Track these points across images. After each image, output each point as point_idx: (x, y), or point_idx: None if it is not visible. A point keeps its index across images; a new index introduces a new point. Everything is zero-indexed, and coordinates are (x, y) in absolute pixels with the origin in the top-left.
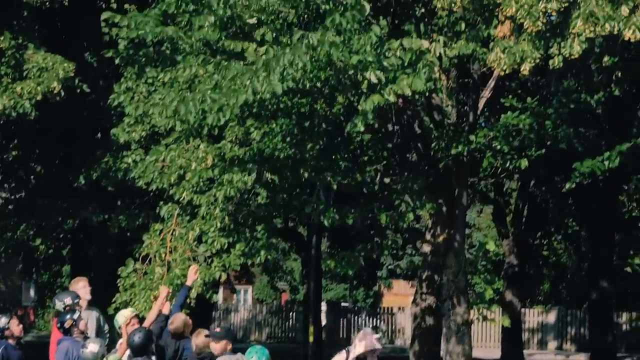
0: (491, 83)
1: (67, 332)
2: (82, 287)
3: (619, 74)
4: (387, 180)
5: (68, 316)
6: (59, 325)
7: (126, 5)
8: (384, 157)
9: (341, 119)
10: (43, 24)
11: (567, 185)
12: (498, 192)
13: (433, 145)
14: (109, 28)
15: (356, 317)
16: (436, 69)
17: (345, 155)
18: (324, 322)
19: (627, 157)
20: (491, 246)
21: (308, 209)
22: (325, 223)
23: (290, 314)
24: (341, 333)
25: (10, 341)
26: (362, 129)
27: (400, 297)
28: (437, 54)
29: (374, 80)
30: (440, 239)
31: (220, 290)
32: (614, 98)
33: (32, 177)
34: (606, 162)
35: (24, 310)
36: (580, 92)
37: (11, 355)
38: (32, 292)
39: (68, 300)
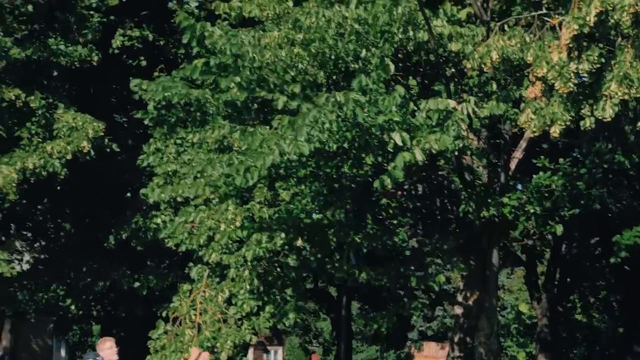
0: (522, 144)
1: None
2: (108, 347)
3: None
4: (414, 242)
5: None
6: None
7: (155, 73)
8: (414, 219)
9: (369, 180)
10: (73, 84)
11: (612, 260)
12: (530, 254)
13: (463, 206)
14: (139, 91)
15: None
16: (464, 126)
17: (374, 217)
18: None
19: None
20: (524, 308)
21: (339, 273)
22: (361, 279)
23: None
24: None
25: None
26: (390, 186)
27: None
28: (466, 113)
29: (398, 142)
30: (472, 300)
31: (251, 351)
32: None
33: (61, 236)
34: None
35: None
36: (614, 153)
37: None
38: (62, 352)
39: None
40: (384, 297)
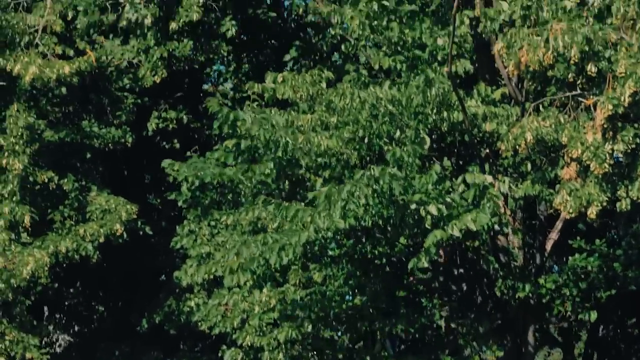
0: (558, 225)
1: None
2: None
3: None
4: (453, 324)
5: None
6: None
7: (188, 153)
8: (449, 300)
9: (403, 259)
10: (106, 166)
11: None
12: (566, 336)
13: (499, 286)
14: (172, 172)
15: None
16: (501, 203)
17: (408, 299)
18: None
19: None
20: None
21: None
22: None
23: None
24: None
25: None
26: (425, 265)
27: None
28: (501, 192)
29: (435, 213)
30: None
31: None
32: None
33: (94, 320)
34: None
35: None
36: None
37: None
38: None
39: None
40: None
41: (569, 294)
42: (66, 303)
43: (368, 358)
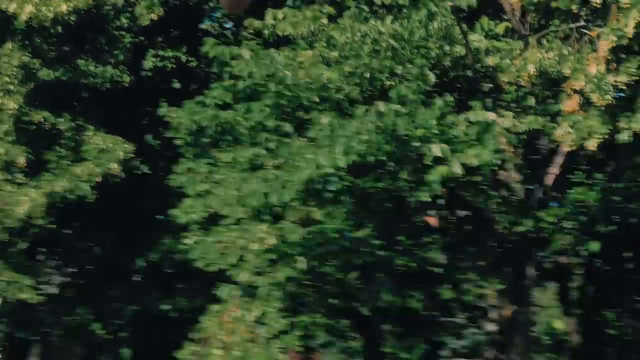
0: (559, 159)
1: None
2: None
3: None
4: (453, 259)
5: None
6: None
7: (185, 101)
8: (449, 235)
9: (403, 197)
10: (103, 106)
11: None
12: (563, 270)
13: (500, 220)
14: (169, 117)
15: None
16: (504, 140)
17: (408, 234)
18: None
19: None
20: (558, 325)
21: (363, 296)
22: (382, 304)
23: None
24: None
25: None
26: (429, 199)
27: None
28: (504, 128)
29: (437, 153)
30: (506, 317)
31: None
32: None
33: (91, 260)
34: None
35: None
36: None
37: None
38: None
39: None
40: (417, 317)
41: (570, 227)
42: (62, 244)
43: (367, 293)
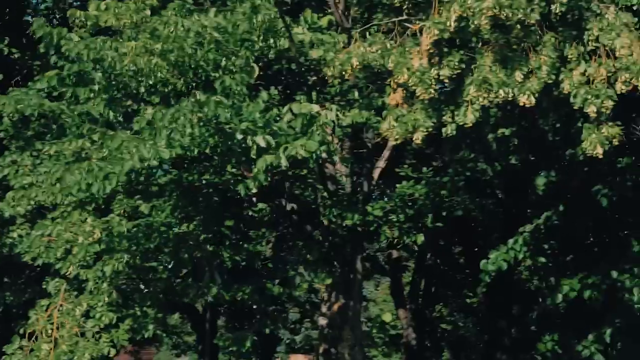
0: (386, 153)
1: None
2: None
3: (516, 141)
4: (281, 253)
5: None
6: None
7: (10, 89)
8: (277, 228)
9: (230, 187)
10: None
11: (478, 290)
12: (394, 265)
13: (327, 214)
14: None
15: None
16: (329, 130)
17: (235, 228)
18: None
19: (528, 242)
20: (387, 318)
21: (192, 292)
22: (210, 299)
23: None
24: None
25: None
26: (254, 190)
27: None
28: (329, 119)
29: (262, 144)
30: (336, 311)
31: None
32: (511, 167)
33: None
34: (511, 252)
35: None
36: (476, 160)
37: None
38: None
39: None
40: (249, 312)
41: (396, 220)
42: None
43: (195, 288)
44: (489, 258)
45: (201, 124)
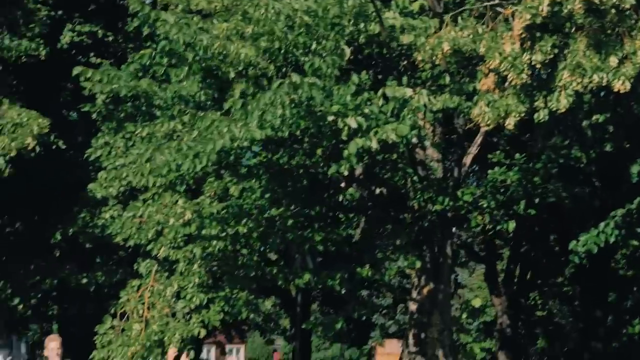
0: (478, 139)
1: None
2: (52, 347)
3: (611, 129)
4: (371, 237)
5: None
6: None
7: (102, 60)
8: (367, 213)
9: (320, 170)
10: (19, 79)
11: (567, 271)
12: (489, 251)
13: (417, 198)
14: (85, 82)
15: None
16: (420, 115)
17: (325, 212)
18: None
19: (620, 226)
20: (476, 303)
21: (282, 277)
22: (301, 285)
23: None
24: None
25: None
26: (345, 173)
27: (393, 357)
28: (422, 103)
29: (354, 125)
30: (426, 296)
31: (212, 350)
32: (606, 154)
33: (8, 234)
34: (602, 236)
35: None
36: (570, 147)
37: None
38: (22, 350)
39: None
40: (341, 296)
41: (487, 206)
42: None
43: (285, 273)
44: (579, 240)
45: (292, 105)
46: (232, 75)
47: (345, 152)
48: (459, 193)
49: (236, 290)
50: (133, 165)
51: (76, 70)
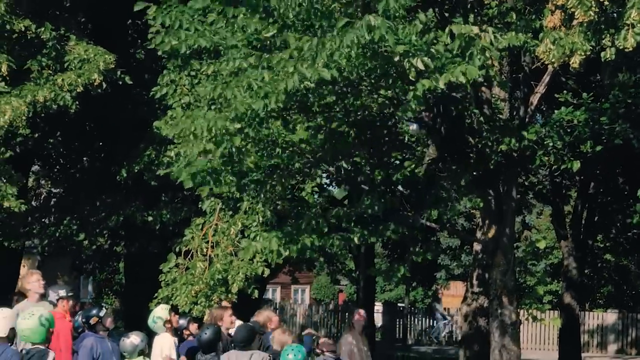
0: (545, 78)
1: (91, 328)
2: (35, 280)
3: None
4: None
5: (94, 312)
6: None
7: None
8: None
9: (385, 111)
10: (86, 15)
11: (634, 219)
12: (556, 193)
13: (482, 138)
14: (152, 19)
15: (413, 318)
16: (489, 54)
17: (389, 152)
18: (379, 322)
19: None
20: (542, 244)
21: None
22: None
23: (346, 314)
24: (397, 333)
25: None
26: (413, 113)
27: (458, 298)
28: (488, 41)
29: (420, 67)
30: (490, 237)
31: (278, 289)
32: None
33: (75, 171)
34: None
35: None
36: (638, 86)
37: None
38: (90, 288)
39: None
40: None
41: (552, 145)
42: (50, 155)
43: (353, 212)
44: None
45: (360, 45)
46: (290, 15)
47: (410, 94)
48: (524, 133)
49: (302, 229)
50: (200, 104)
51: (138, 5)
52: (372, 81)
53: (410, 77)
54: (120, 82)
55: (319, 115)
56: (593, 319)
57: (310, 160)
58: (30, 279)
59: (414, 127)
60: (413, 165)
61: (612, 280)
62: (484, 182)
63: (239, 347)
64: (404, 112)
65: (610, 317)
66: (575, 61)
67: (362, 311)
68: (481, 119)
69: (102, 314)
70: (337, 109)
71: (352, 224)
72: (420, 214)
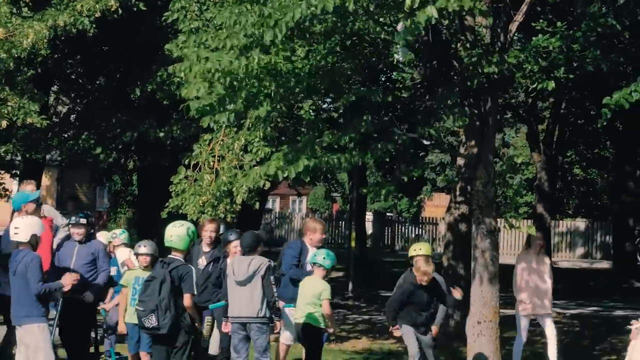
0: (523, 7)
1: None
2: (30, 190)
3: None
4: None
5: None
6: None
7: None
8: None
9: (381, 37)
10: None
11: (599, 124)
12: (532, 113)
13: (466, 62)
14: None
15: (400, 227)
16: None
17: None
18: (369, 231)
19: None
20: (519, 160)
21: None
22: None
23: (340, 222)
24: (386, 240)
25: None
26: (413, 37)
27: (441, 209)
28: None
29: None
30: (472, 152)
31: (277, 200)
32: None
33: (92, 90)
34: (634, 94)
35: (99, 214)
36: (607, 16)
37: None
38: (105, 199)
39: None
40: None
41: (530, 69)
42: (70, 75)
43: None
44: (612, 97)
45: None
46: None
47: (408, 22)
48: (505, 56)
49: (300, 144)
50: (208, 29)
51: None
52: (371, 9)
53: (406, 9)
54: (135, 8)
55: (319, 38)
56: (563, 227)
57: (310, 85)
58: (27, 188)
59: (399, 55)
60: (402, 87)
61: (580, 192)
62: (467, 102)
63: (244, 252)
64: (405, 36)
65: (579, 224)
66: None
67: None
68: (467, 45)
69: None
70: (336, 34)
71: (347, 143)
72: (413, 131)
